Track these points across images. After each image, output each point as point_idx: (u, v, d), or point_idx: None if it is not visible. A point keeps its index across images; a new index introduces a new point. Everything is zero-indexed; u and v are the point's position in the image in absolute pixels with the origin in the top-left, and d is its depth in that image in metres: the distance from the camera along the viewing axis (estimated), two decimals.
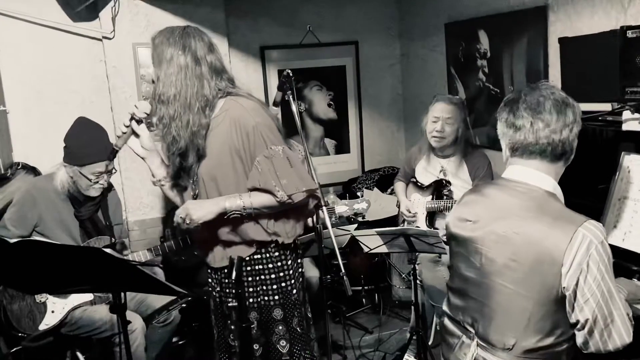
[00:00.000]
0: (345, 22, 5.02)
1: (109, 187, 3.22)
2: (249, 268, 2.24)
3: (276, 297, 2.25)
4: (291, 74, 2.94)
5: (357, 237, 3.22)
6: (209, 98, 2.12)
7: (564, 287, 1.58)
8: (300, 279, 2.34)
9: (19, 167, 3.84)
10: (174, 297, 3.10)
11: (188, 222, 2.10)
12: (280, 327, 2.27)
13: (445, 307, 1.98)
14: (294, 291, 2.29)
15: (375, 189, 4.78)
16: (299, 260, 2.35)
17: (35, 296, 2.93)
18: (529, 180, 1.72)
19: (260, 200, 2.11)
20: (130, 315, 2.94)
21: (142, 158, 2.28)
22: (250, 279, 2.25)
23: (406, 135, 5.36)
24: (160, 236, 3.84)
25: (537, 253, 1.61)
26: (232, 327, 2.22)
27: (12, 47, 3.93)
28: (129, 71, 4.12)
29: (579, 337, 1.63)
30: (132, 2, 4.06)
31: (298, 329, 2.30)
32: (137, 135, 2.24)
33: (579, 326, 1.62)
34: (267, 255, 2.24)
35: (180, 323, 3.22)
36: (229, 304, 2.22)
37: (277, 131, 2.20)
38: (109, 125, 4.12)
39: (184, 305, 3.14)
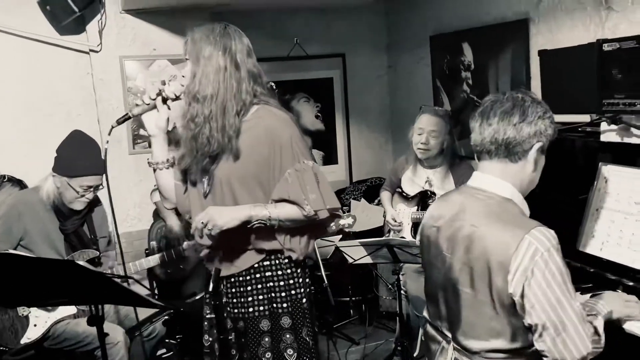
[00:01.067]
0: (332, 34, 5.07)
1: (96, 201, 3.22)
2: (258, 275, 2.19)
3: (284, 305, 2.20)
4: (274, 87, 2.98)
5: (341, 248, 3.23)
6: (245, 103, 2.09)
7: (511, 293, 1.60)
8: (309, 289, 2.29)
9: (5, 180, 3.84)
10: (156, 309, 3.10)
11: (210, 227, 2.02)
12: (288, 336, 2.20)
13: (425, 313, 2.01)
14: (304, 300, 2.23)
15: (363, 199, 4.81)
16: (306, 270, 2.31)
17: (18, 309, 2.92)
18: (487, 187, 1.75)
19: (287, 212, 2.08)
20: (113, 328, 2.95)
21: (150, 135, 2.24)
22: (259, 286, 2.19)
23: (394, 147, 5.39)
24: (145, 249, 3.83)
25: (487, 259, 1.64)
26: (210, 338, 2.21)
27: None
28: (115, 84, 4.14)
29: (535, 344, 1.64)
30: (118, 16, 4.09)
31: (307, 339, 2.24)
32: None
33: (532, 331, 1.63)
34: (277, 262, 2.20)
35: (165, 335, 3.21)
36: (207, 316, 2.19)
37: (307, 146, 2.19)
38: (95, 137, 4.13)
39: (166, 317, 3.14)
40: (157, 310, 3.07)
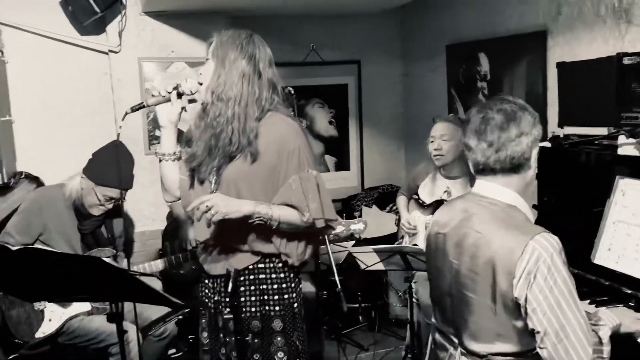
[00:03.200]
0: (348, 41, 5.10)
1: (117, 212, 3.25)
2: (252, 277, 2.24)
3: (277, 308, 2.25)
4: (293, 92, 3.00)
5: (354, 254, 3.24)
6: (264, 109, 2.17)
7: (516, 297, 1.63)
8: (301, 294, 2.35)
9: (22, 177, 3.88)
10: (170, 310, 3.13)
11: (213, 213, 2.04)
12: (279, 339, 2.26)
13: (433, 320, 2.03)
14: (295, 305, 2.30)
15: (374, 206, 4.82)
16: (300, 276, 2.37)
17: (34, 304, 2.96)
18: (490, 194, 1.78)
19: (287, 215, 2.13)
20: (127, 326, 2.96)
21: (161, 127, 2.29)
22: (252, 287, 2.25)
23: (406, 154, 5.40)
24: (159, 249, 3.85)
25: (493, 264, 1.66)
26: (227, 339, 2.22)
27: (19, 58, 3.99)
28: (134, 85, 4.18)
29: (537, 348, 1.65)
30: (139, 17, 4.13)
31: (297, 342, 2.30)
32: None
33: (535, 335, 1.65)
34: (271, 265, 2.25)
35: (177, 336, 3.23)
36: (224, 316, 2.22)
37: (313, 156, 2.25)
38: (112, 137, 4.17)
39: (180, 317, 3.16)
40: (171, 310, 3.09)
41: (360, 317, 4.45)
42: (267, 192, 2.17)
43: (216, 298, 2.31)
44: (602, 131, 2.85)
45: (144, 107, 2.25)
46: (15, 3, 3.93)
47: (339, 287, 2.96)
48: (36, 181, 3.94)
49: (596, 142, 2.79)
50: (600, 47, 3.11)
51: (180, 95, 2.22)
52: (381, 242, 3.90)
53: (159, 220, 4.26)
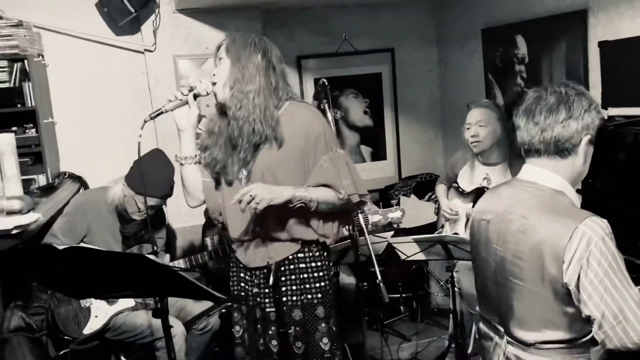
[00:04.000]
0: (381, 29, 5.04)
1: (161, 217, 3.32)
2: (292, 266, 2.29)
3: (319, 295, 2.31)
4: (327, 83, 2.99)
5: (393, 245, 3.21)
6: (281, 99, 2.26)
7: (565, 283, 1.60)
8: (333, 280, 2.43)
9: (66, 177, 3.98)
10: (212, 304, 3.17)
11: (258, 201, 2.09)
12: (323, 325, 2.32)
13: (478, 309, 2.01)
14: (331, 291, 2.37)
15: (413, 195, 4.77)
16: (330, 263, 2.43)
17: (81, 301, 3.03)
18: (537, 180, 1.75)
19: (324, 195, 2.20)
20: (171, 321, 3.00)
21: (180, 130, 2.33)
22: (293, 277, 2.30)
23: (444, 142, 5.32)
24: (199, 244, 3.90)
25: (540, 250, 1.64)
26: (268, 330, 2.24)
27: (59, 61, 4.08)
28: (169, 82, 4.23)
29: (594, 334, 1.62)
30: (172, 15, 4.17)
31: (334, 328, 2.37)
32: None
33: (591, 322, 1.62)
34: (310, 254, 2.31)
35: (220, 329, 3.27)
36: (266, 309, 2.24)
37: (336, 138, 2.37)
38: (150, 134, 4.24)
39: (223, 310, 3.19)
40: (214, 304, 3.13)
41: (401, 308, 4.43)
42: (299, 177, 2.24)
43: (255, 290, 2.33)
44: None
45: (162, 113, 2.28)
46: (53, 7, 4.02)
47: (379, 278, 2.94)
48: (79, 180, 4.04)
49: None
50: None
51: (196, 97, 2.27)
52: (420, 231, 3.85)
53: (199, 216, 4.29)
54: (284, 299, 2.28)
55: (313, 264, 2.31)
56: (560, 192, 1.72)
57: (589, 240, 1.57)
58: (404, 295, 4.43)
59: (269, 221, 2.24)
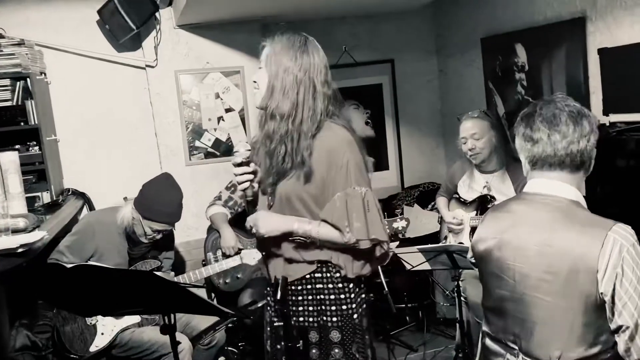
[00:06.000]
0: (380, 40, 5.07)
1: (170, 239, 3.35)
2: (309, 286, 2.19)
3: (334, 319, 2.17)
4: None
5: (398, 255, 3.21)
6: (320, 125, 2.08)
7: (601, 293, 1.58)
8: (364, 305, 2.24)
9: (70, 193, 3.99)
10: (218, 319, 3.16)
11: (254, 232, 2.12)
12: (337, 350, 2.18)
13: (485, 327, 1.96)
14: (355, 315, 2.18)
15: (416, 205, 4.75)
16: (362, 285, 2.25)
17: (87, 319, 3.03)
18: (552, 192, 1.73)
19: (328, 233, 2.08)
20: (178, 336, 3.00)
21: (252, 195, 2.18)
22: (310, 297, 2.19)
23: (446, 151, 5.33)
24: (202, 260, 3.90)
25: (571, 262, 1.61)
26: (278, 346, 2.22)
27: (62, 78, 4.11)
28: (171, 97, 4.25)
29: (621, 344, 1.60)
30: (173, 31, 4.20)
31: (357, 355, 2.20)
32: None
33: (620, 332, 1.60)
34: (329, 275, 2.17)
35: (227, 343, 3.26)
36: (274, 324, 2.20)
37: (365, 170, 2.15)
38: (153, 150, 4.26)
39: (230, 325, 3.19)
40: (220, 319, 3.12)
41: (407, 318, 4.41)
42: (321, 206, 2.11)
43: (272, 304, 2.28)
44: None
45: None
46: (55, 25, 4.06)
47: (386, 289, 2.94)
48: (83, 197, 4.06)
49: None
50: None
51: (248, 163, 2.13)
52: (425, 240, 3.84)
53: (202, 230, 4.30)
54: (301, 319, 2.19)
55: (331, 285, 2.16)
56: (576, 202, 1.70)
57: (621, 247, 1.55)
58: (409, 305, 4.41)
59: (282, 242, 2.17)
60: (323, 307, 2.18)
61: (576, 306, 1.62)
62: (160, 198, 3.07)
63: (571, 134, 1.68)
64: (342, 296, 2.17)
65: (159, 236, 3.15)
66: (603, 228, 1.58)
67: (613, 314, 1.59)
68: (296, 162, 2.07)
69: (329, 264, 2.16)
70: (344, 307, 2.17)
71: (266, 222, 2.11)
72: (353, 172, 2.07)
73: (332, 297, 2.17)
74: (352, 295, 2.18)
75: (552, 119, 1.70)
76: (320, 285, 2.18)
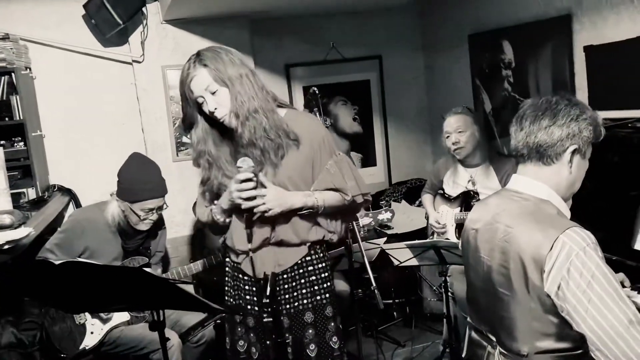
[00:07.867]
0: (368, 37, 5.07)
1: (161, 223, 3.30)
2: (301, 271, 2.29)
3: (327, 295, 2.33)
4: (317, 92, 3.01)
5: (386, 251, 3.23)
6: (275, 101, 2.27)
7: (547, 293, 1.58)
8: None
9: (55, 190, 3.95)
10: (207, 315, 3.15)
11: (266, 210, 2.13)
12: (332, 324, 2.34)
13: (469, 319, 2.00)
14: (333, 290, 2.39)
15: (403, 201, 4.78)
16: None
17: (75, 317, 3.00)
18: (524, 189, 1.76)
19: (331, 198, 2.26)
20: (167, 332, 3.00)
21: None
22: (303, 281, 2.30)
23: (433, 147, 5.36)
24: (190, 258, 3.90)
25: (523, 259, 1.63)
26: (268, 342, 2.22)
27: (47, 73, 4.07)
28: (158, 93, 4.23)
29: (591, 352, 1.57)
30: (160, 26, 4.18)
31: (340, 326, 2.39)
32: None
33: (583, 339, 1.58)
34: (316, 255, 2.33)
35: (215, 340, 3.26)
36: (263, 320, 2.20)
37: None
38: (140, 146, 4.23)
39: (218, 321, 3.18)
40: (208, 315, 3.11)
41: (395, 313, 4.44)
42: (307, 182, 2.27)
43: (265, 301, 2.28)
44: (635, 113, 2.79)
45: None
46: (40, 20, 4.01)
47: (374, 285, 2.96)
48: (69, 193, 4.02)
49: (629, 124, 2.74)
50: (628, 27, 3.04)
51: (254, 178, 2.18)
52: (412, 236, 3.88)
53: (190, 226, 4.30)
54: (296, 304, 2.28)
55: (319, 265, 2.32)
56: (546, 202, 1.71)
57: (570, 250, 1.54)
58: (397, 300, 4.44)
59: (278, 227, 2.24)
60: (316, 287, 2.32)
61: (534, 303, 1.63)
62: (138, 176, 3.03)
63: (527, 127, 1.72)
64: (326, 273, 2.37)
65: (155, 216, 3.11)
66: (557, 229, 1.58)
67: (566, 317, 1.57)
68: (286, 141, 2.19)
69: (317, 246, 2.32)
70: (329, 283, 2.37)
71: (280, 199, 2.17)
72: (331, 143, 2.32)
73: (322, 275, 2.33)
74: (330, 272, 2.39)
75: (520, 114, 1.76)
76: (311, 267, 2.32)
